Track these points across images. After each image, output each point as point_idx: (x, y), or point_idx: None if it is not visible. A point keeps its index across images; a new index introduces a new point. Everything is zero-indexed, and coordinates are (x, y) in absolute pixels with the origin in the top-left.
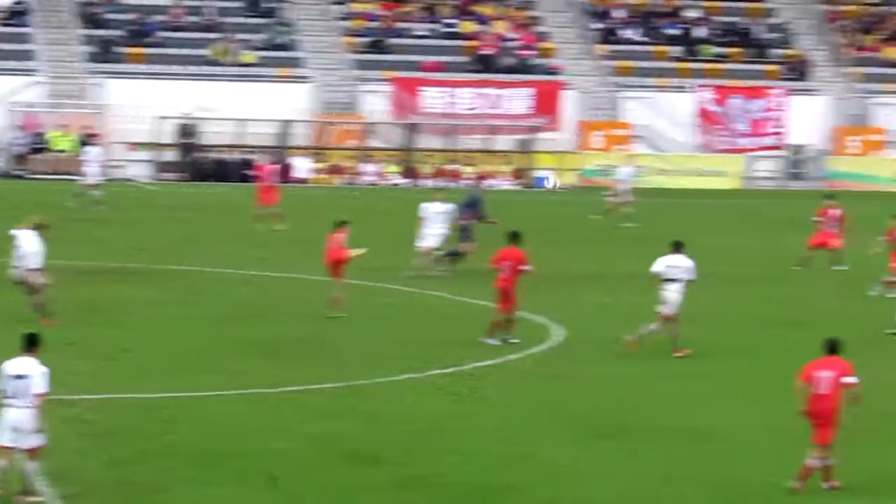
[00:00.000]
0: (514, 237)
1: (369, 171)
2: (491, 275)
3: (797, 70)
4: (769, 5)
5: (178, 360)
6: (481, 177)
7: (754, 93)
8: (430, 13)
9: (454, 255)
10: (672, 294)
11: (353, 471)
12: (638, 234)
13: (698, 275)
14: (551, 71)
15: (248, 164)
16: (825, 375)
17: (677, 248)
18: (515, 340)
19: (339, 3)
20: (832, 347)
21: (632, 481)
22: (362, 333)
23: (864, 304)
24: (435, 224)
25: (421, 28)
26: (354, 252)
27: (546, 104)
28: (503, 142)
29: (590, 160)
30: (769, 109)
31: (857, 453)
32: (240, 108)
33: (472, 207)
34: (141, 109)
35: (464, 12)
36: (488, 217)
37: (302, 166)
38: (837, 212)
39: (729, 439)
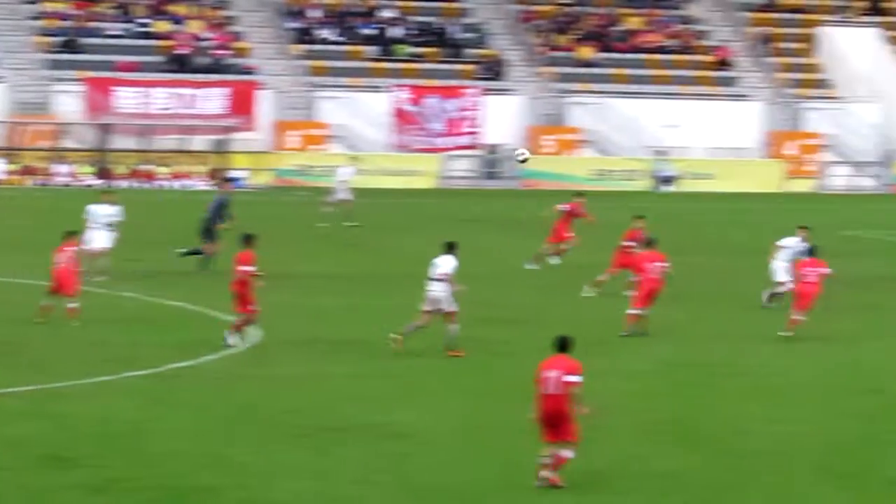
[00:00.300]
0: (248, 240)
1: (62, 173)
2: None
3: (492, 70)
4: (464, 5)
5: None
6: (226, 179)
7: (450, 92)
8: (124, 13)
9: (194, 254)
10: (437, 293)
11: (48, 474)
12: (328, 233)
13: (394, 275)
14: (246, 71)
15: None
16: (552, 375)
17: (449, 248)
18: (233, 342)
19: (31, 3)
20: (562, 345)
21: (326, 481)
22: (59, 336)
23: (575, 303)
24: (99, 226)
25: (114, 28)
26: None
27: (241, 104)
28: (199, 142)
29: (286, 160)
30: (465, 109)
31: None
32: None
33: (218, 210)
34: None
35: (158, 12)
36: (232, 219)
37: None
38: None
39: (425, 439)
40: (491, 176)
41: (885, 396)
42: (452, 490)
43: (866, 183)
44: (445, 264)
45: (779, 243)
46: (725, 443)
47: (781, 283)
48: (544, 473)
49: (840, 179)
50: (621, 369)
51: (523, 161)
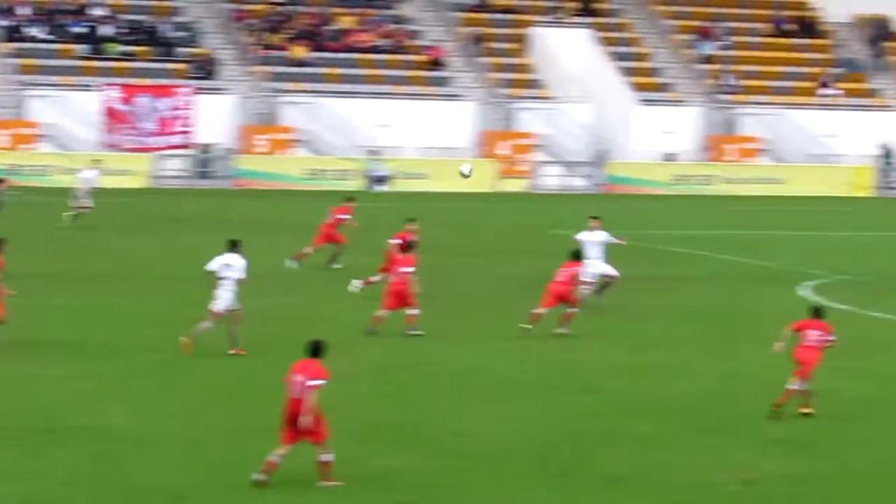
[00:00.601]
0: None
1: None
2: None
3: (204, 69)
4: (175, 4)
5: None
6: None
7: (161, 91)
8: None
9: None
10: (224, 292)
11: None
12: (38, 231)
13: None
14: None
15: None
16: (298, 379)
17: (233, 246)
18: None
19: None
20: (314, 350)
21: (33, 482)
22: None
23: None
24: None
25: None
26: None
27: None
28: None
29: None
30: (177, 108)
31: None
32: None
33: None
34: None
35: None
36: None
37: None
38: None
39: (139, 440)
40: (203, 175)
41: (602, 395)
42: (163, 490)
43: (578, 183)
44: (235, 262)
45: (578, 237)
46: (443, 443)
47: (609, 276)
48: (259, 476)
49: (552, 179)
50: (343, 371)
51: (467, 176)
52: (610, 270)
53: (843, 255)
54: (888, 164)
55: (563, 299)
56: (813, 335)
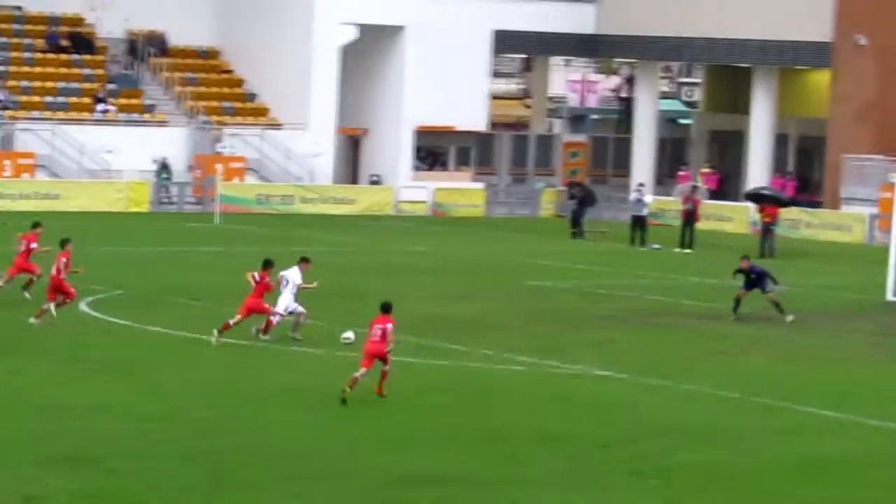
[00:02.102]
0: None
1: None
2: None
3: None
4: None
5: None
6: None
7: None
8: None
9: None
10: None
11: None
12: None
13: None
14: None
15: None
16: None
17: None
18: None
19: None
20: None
21: None
22: None
23: None
24: None
25: None
26: None
27: None
28: None
29: None
30: None
31: None
32: None
33: None
34: None
35: None
36: None
37: None
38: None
39: None
40: None
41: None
42: None
43: None
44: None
45: (283, 274)
46: None
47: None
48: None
49: None
50: None
51: (348, 343)
52: None
53: (120, 269)
54: (165, 179)
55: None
56: (377, 330)
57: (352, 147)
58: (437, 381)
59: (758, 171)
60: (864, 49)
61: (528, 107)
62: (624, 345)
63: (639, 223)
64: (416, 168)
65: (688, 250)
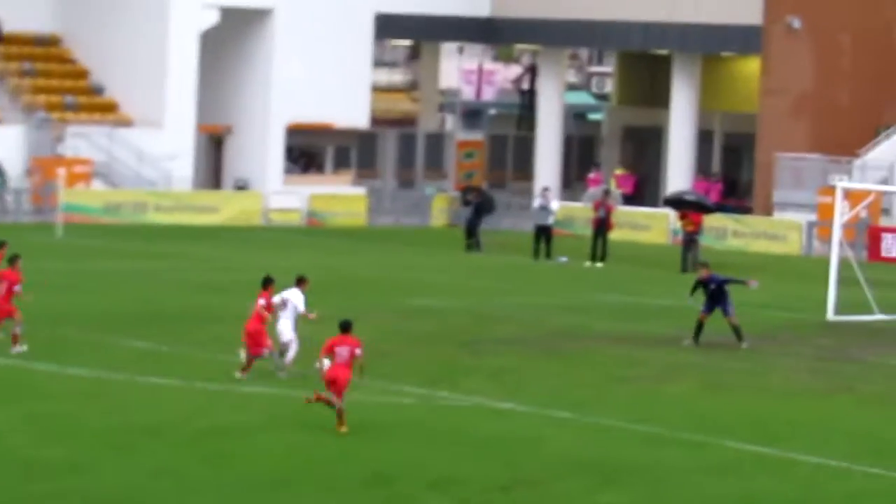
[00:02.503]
0: None
1: None
2: None
3: None
4: None
5: None
6: None
7: None
8: None
9: None
10: None
11: None
12: None
13: None
14: None
15: None
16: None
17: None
18: None
19: None
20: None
21: None
22: None
23: None
24: None
25: None
26: None
27: None
28: None
29: None
30: None
31: None
32: None
33: None
34: None
35: None
36: None
37: None
38: None
39: None
40: None
41: None
42: None
43: None
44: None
45: (284, 296)
46: None
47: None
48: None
49: None
50: None
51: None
52: None
53: None
54: (1, 183)
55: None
56: (343, 352)
57: (214, 147)
58: (313, 416)
59: (679, 173)
60: (799, 33)
61: (416, 101)
62: (526, 373)
63: (543, 233)
64: (288, 171)
65: (599, 264)
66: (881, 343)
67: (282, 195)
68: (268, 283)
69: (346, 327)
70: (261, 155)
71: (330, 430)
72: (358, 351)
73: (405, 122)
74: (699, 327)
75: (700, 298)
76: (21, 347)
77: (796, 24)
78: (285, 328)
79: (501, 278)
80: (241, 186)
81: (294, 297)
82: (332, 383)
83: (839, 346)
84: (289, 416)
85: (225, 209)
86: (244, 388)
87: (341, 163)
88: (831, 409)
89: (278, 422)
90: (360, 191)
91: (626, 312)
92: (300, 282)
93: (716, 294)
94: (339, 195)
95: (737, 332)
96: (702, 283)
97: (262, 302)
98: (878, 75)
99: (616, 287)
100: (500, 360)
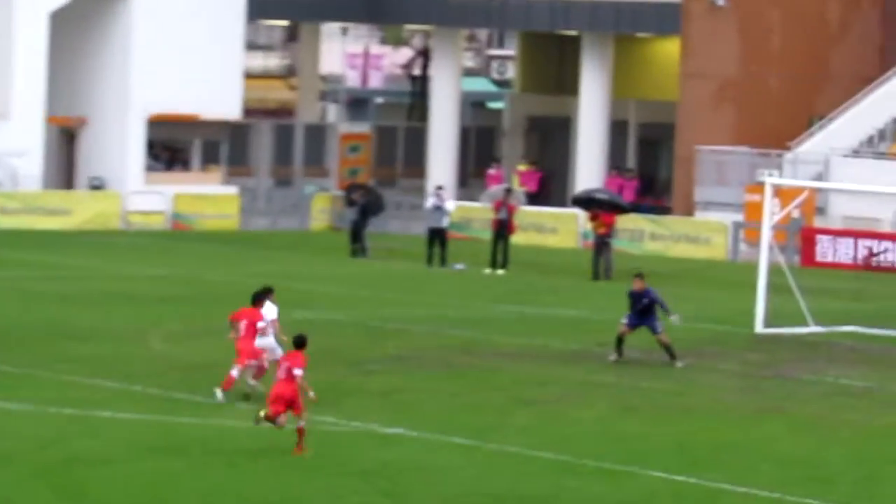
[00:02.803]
0: None
1: None
2: None
3: None
4: None
5: None
6: None
7: None
8: None
9: None
10: None
11: None
12: None
13: None
14: None
15: None
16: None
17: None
18: None
19: None
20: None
21: None
22: None
23: None
24: None
25: None
26: None
27: None
28: None
29: None
30: None
31: None
32: None
33: None
34: None
35: None
36: None
37: None
38: None
39: None
40: None
41: None
42: None
43: None
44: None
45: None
46: None
47: None
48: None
49: None
50: None
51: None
52: None
53: None
54: None
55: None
56: (283, 367)
57: (66, 142)
58: (171, 442)
59: (589, 169)
60: (723, 11)
61: (294, 88)
62: (419, 394)
63: (438, 237)
64: (150, 169)
65: (501, 271)
66: (816, 358)
67: (143, 195)
68: (266, 295)
69: (300, 343)
70: (119, 150)
71: (196, 459)
72: (297, 371)
73: (282, 113)
74: (620, 342)
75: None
76: None
77: (720, 1)
78: (270, 344)
79: (391, 288)
80: (97, 186)
81: (269, 311)
82: (277, 401)
83: (769, 361)
84: (149, 444)
85: (79, 212)
86: (100, 412)
87: (210, 159)
88: (760, 432)
89: (138, 450)
90: (232, 190)
91: (530, 325)
92: (269, 292)
93: (645, 310)
94: (208, 195)
95: (668, 350)
96: (634, 296)
97: (261, 324)
98: (811, 57)
99: (519, 297)
100: (391, 380)
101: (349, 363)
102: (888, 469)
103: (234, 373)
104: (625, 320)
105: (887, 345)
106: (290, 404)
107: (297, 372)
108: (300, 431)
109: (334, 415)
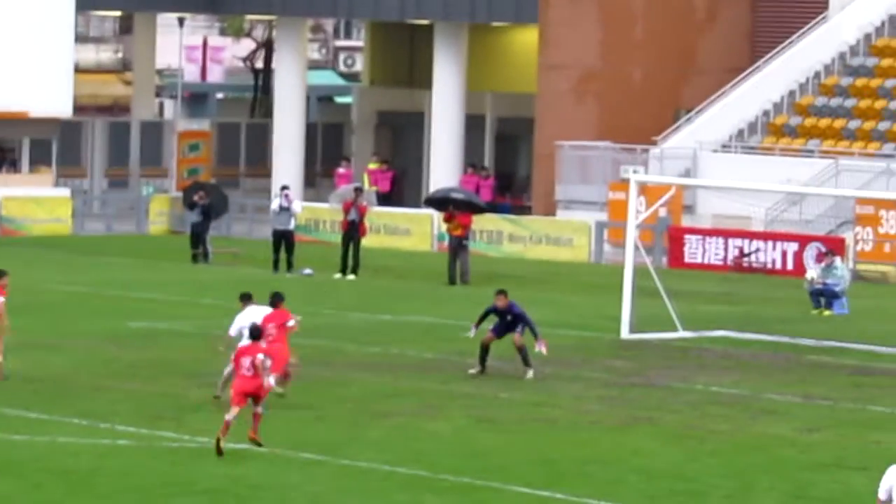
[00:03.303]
0: None
1: None
2: None
3: None
4: None
5: None
6: None
7: None
8: None
9: None
10: None
11: None
12: None
13: None
14: None
15: None
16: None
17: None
18: None
19: None
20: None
21: None
22: None
23: None
24: None
25: None
26: None
27: None
28: None
29: None
30: None
31: None
32: None
33: None
34: None
35: None
36: None
37: None
38: None
39: None
40: None
41: None
42: None
43: None
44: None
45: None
46: None
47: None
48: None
49: None
50: None
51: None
52: None
53: None
54: None
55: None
56: (246, 362)
57: None
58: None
59: (443, 167)
60: None
61: (129, 83)
62: (266, 407)
63: (284, 240)
64: None
65: (351, 276)
66: (685, 365)
67: None
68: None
69: (255, 333)
70: None
71: (29, 478)
72: (260, 357)
73: (116, 110)
74: (485, 351)
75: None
76: None
77: None
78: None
79: (235, 295)
80: None
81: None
82: (239, 395)
83: (636, 369)
84: None
85: None
86: None
87: (40, 159)
88: (628, 443)
89: None
90: (64, 192)
91: (383, 334)
92: (247, 299)
93: (511, 324)
94: (38, 198)
95: (523, 355)
96: (496, 313)
97: (291, 323)
98: (677, 47)
99: (371, 303)
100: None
101: (191, 375)
102: (761, 479)
103: (271, 381)
104: (491, 327)
105: (759, 350)
106: (253, 397)
107: (261, 357)
108: (257, 417)
109: (175, 430)
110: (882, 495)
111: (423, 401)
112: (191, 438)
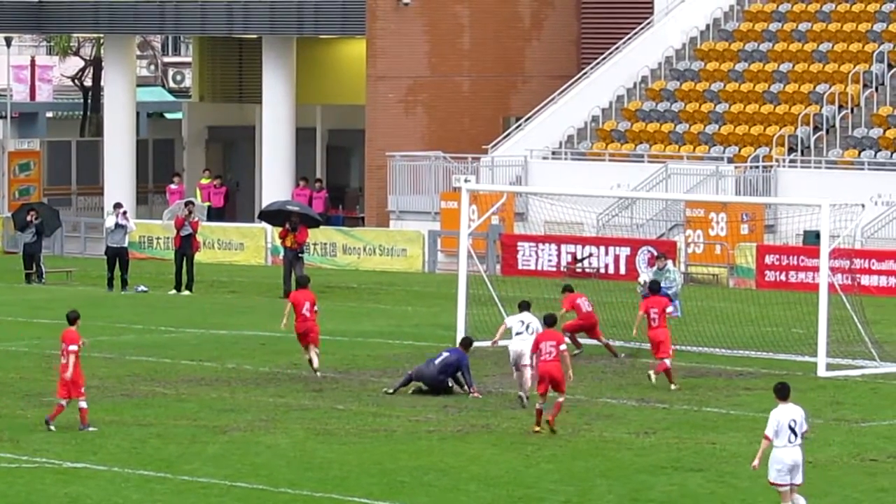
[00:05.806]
0: None
1: None
2: None
3: None
4: None
5: None
6: None
7: None
8: None
9: None
10: None
11: None
12: None
13: None
14: None
15: None
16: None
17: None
18: None
19: None
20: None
21: None
22: None
23: None
24: None
25: None
26: None
27: None
28: None
29: None
30: None
31: None
32: None
33: None
34: None
35: None
36: None
37: None
38: None
39: None
40: None
41: None
42: None
43: None
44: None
45: None
46: None
47: None
48: None
49: None
50: None
51: None
52: None
53: None
54: None
55: None
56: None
57: None
58: None
59: (276, 180)
60: (409, 10)
61: None
62: (103, 425)
63: (118, 257)
64: None
65: (186, 292)
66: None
67: None
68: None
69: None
70: None
71: None
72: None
73: None
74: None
75: None
76: None
77: None
78: None
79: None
80: None
81: None
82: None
83: (473, 377)
84: None
85: None
86: None
87: None
88: (465, 451)
89: None
90: None
91: (218, 348)
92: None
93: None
94: None
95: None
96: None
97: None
98: (504, 56)
99: (207, 319)
100: (72, 412)
101: (27, 395)
102: (599, 483)
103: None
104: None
105: (594, 355)
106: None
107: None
108: (84, 411)
109: (13, 451)
110: (769, 432)
111: (260, 415)
112: (28, 459)
